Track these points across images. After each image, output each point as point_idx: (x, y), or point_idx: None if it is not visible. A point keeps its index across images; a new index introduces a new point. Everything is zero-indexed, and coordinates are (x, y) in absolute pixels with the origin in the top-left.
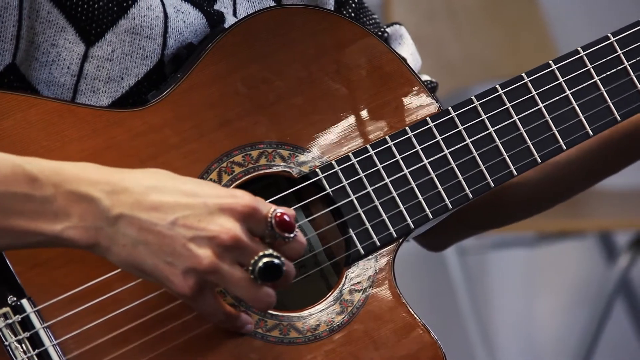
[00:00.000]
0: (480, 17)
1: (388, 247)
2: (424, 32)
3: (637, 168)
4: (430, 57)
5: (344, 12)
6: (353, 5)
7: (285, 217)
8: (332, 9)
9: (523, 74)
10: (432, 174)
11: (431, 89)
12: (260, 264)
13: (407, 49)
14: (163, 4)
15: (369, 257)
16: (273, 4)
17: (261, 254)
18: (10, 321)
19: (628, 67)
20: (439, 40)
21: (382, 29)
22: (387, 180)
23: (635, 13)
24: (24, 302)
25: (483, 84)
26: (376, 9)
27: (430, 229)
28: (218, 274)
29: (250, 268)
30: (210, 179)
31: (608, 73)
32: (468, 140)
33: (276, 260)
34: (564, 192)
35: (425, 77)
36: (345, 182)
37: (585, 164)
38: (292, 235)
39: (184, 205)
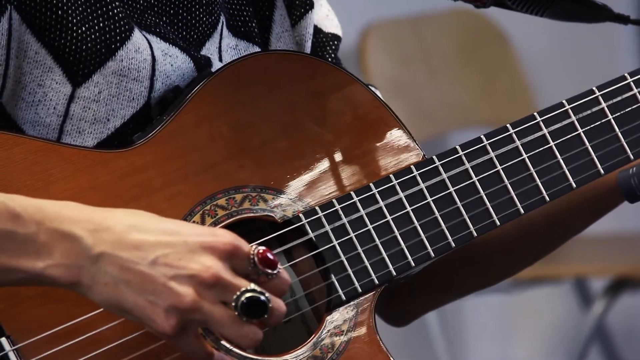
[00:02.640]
0: (456, 62)
1: (370, 294)
2: (399, 78)
3: (611, 214)
4: (406, 102)
5: (327, 56)
6: (329, 60)
7: (268, 254)
8: (309, 52)
9: (508, 125)
10: (415, 222)
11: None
12: (243, 299)
13: None
14: (151, 47)
15: (350, 303)
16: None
17: (243, 289)
18: None
19: (612, 121)
20: (415, 86)
21: None
22: (370, 227)
23: (608, 56)
24: (3, 340)
25: (458, 129)
26: (352, 54)
27: (399, 303)
28: (200, 312)
29: (234, 304)
30: (194, 222)
31: (592, 126)
32: (452, 189)
33: (261, 297)
34: (542, 248)
35: None
36: (328, 228)
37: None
38: (275, 271)
39: (164, 244)
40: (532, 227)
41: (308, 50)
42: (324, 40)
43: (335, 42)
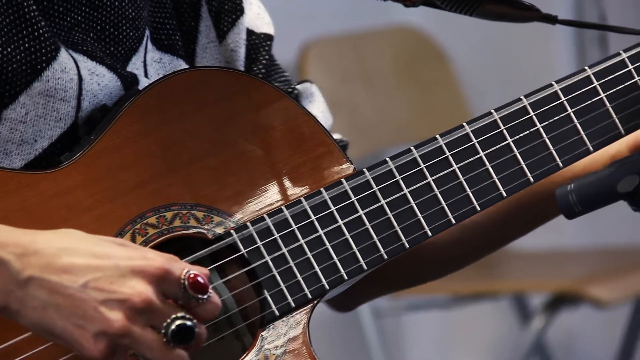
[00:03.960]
0: (394, 79)
1: (303, 308)
2: (338, 94)
3: (550, 230)
4: (344, 118)
5: (255, 68)
6: (264, 61)
7: (199, 278)
8: (243, 65)
9: (437, 136)
10: (347, 235)
11: (342, 147)
12: (173, 326)
13: (318, 107)
14: (77, 67)
15: (284, 318)
16: (184, 65)
17: (174, 316)
18: None
19: (541, 129)
20: (353, 103)
21: (293, 87)
22: (302, 242)
23: (545, 73)
24: None
25: (396, 146)
26: (291, 71)
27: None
28: (129, 338)
29: (163, 331)
30: None
31: (521, 135)
32: (383, 202)
33: (188, 323)
34: (476, 252)
35: (336, 136)
36: (260, 243)
37: (494, 226)
38: (205, 296)
39: (95, 268)
40: (467, 234)
41: (243, 55)
42: (257, 42)
43: (269, 42)
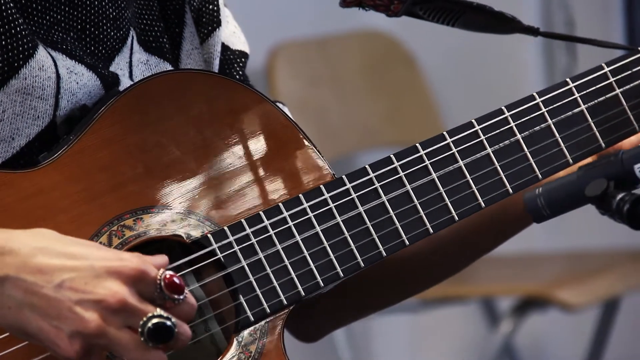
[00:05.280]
0: (363, 83)
1: (279, 314)
2: (307, 98)
3: (518, 234)
4: (312, 123)
5: (235, 73)
6: (237, 77)
7: (175, 278)
8: (217, 69)
9: (417, 145)
10: (325, 242)
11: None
12: (150, 324)
13: None
14: (55, 65)
15: (259, 323)
16: (169, 67)
17: (150, 315)
18: None
19: (521, 140)
20: (323, 107)
21: None
22: (279, 247)
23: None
24: None
25: (365, 151)
26: (260, 74)
27: (308, 318)
28: (105, 338)
29: (140, 330)
30: (100, 243)
31: (501, 145)
32: (361, 209)
33: (167, 322)
34: (454, 264)
35: None
36: (237, 248)
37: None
38: (181, 297)
39: (70, 268)
40: (442, 245)
41: (216, 68)
42: (232, 58)
43: (243, 60)
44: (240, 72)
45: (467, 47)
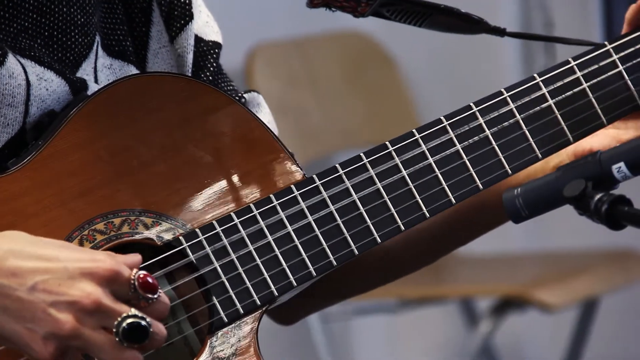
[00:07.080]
0: (341, 84)
1: (252, 315)
2: (285, 99)
3: (497, 235)
4: (291, 124)
5: (202, 76)
6: (211, 69)
7: (148, 278)
8: (190, 71)
9: (387, 142)
10: (297, 242)
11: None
12: (124, 324)
13: (265, 117)
14: (25, 72)
15: (233, 324)
16: (134, 71)
17: (125, 315)
18: None
19: (490, 136)
20: (300, 108)
21: (240, 95)
22: (251, 248)
23: (493, 79)
24: None
25: (344, 151)
26: (238, 75)
27: (286, 302)
28: (80, 339)
29: (115, 330)
30: None
31: (470, 141)
32: (332, 208)
33: (142, 322)
34: (423, 257)
35: None
36: (208, 250)
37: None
38: (155, 296)
39: (43, 270)
40: (416, 238)
41: (190, 62)
42: (205, 50)
43: (217, 50)
44: (215, 64)
45: (445, 48)
